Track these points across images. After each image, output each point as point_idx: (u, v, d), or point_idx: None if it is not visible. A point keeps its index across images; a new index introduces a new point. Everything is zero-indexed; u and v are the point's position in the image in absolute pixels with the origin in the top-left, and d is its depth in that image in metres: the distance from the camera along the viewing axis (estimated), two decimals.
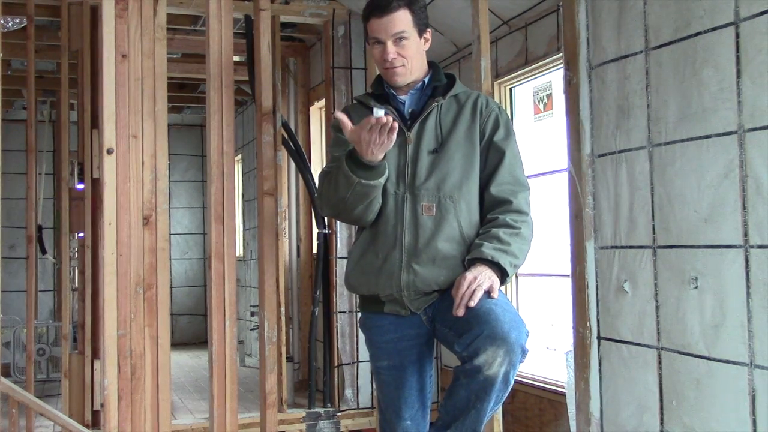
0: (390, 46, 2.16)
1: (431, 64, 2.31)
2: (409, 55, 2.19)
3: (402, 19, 2.15)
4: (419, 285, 2.11)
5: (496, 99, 4.27)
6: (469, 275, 2.01)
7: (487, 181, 2.19)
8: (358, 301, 2.40)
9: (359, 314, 2.35)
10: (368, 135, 1.95)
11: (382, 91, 2.28)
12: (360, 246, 2.23)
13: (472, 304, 1.96)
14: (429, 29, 2.25)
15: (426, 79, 2.26)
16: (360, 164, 2.02)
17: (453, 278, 2.07)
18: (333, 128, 2.35)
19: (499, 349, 1.87)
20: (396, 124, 1.93)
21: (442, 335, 2.14)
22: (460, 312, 1.97)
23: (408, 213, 2.13)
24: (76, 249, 5.54)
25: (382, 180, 2.07)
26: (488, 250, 2.06)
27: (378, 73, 2.34)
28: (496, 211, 2.16)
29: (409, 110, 2.24)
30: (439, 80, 2.26)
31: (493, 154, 2.20)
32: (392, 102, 2.25)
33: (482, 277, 2.01)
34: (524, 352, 1.93)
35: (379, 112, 1.92)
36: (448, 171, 2.15)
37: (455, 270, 2.09)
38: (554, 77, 3.98)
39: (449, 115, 2.22)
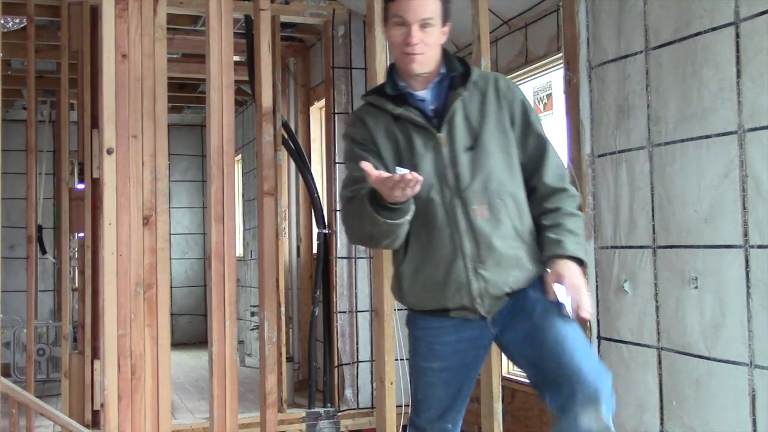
0: (416, 29, 2.01)
1: (442, 53, 2.14)
2: (431, 44, 2.05)
3: (432, 6, 2.03)
4: (492, 290, 2.00)
5: None
6: (571, 279, 1.94)
7: (535, 169, 2.08)
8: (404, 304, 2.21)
9: (407, 312, 2.22)
10: (391, 189, 1.79)
11: (398, 91, 2.09)
12: (412, 261, 2.07)
13: (587, 316, 1.92)
14: (449, 24, 2.11)
15: (442, 71, 2.09)
16: (383, 206, 1.87)
17: (523, 277, 2.01)
18: (347, 139, 2.16)
19: (597, 411, 1.81)
20: (420, 177, 1.77)
21: (510, 352, 2.09)
22: (587, 315, 1.92)
23: (461, 219, 2.00)
24: (76, 249, 5.54)
25: (408, 217, 1.93)
26: (571, 245, 1.99)
27: (385, 67, 2.27)
28: (555, 199, 2.07)
29: (431, 107, 2.07)
30: (455, 69, 2.09)
31: (533, 141, 2.08)
32: (411, 101, 2.07)
33: (579, 281, 1.95)
34: (612, 394, 1.87)
35: (402, 171, 1.76)
36: (490, 168, 2.02)
37: (523, 268, 2.02)
38: (554, 77, 3.98)
39: (474, 105, 2.06)
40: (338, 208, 2.14)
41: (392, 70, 2.14)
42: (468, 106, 2.06)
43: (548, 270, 1.98)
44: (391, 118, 2.07)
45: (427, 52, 2.04)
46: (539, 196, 2.08)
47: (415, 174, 1.75)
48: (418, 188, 1.79)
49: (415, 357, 2.19)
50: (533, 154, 2.09)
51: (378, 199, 1.86)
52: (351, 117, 2.24)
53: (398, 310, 4.61)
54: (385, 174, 1.77)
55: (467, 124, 2.04)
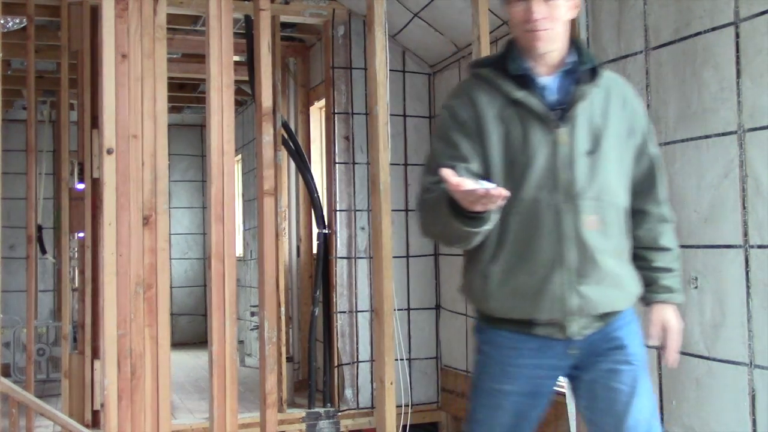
0: (538, 3, 1.79)
1: (574, 41, 1.92)
2: (557, 18, 1.81)
3: None
4: (588, 309, 1.83)
5: None
6: (675, 328, 1.94)
7: (646, 188, 1.96)
8: (477, 311, 1.99)
9: (478, 321, 1.99)
10: (472, 200, 1.59)
11: (521, 72, 1.85)
12: (503, 263, 1.85)
13: (674, 364, 1.95)
14: None
15: (571, 59, 1.87)
16: (463, 213, 1.66)
17: (621, 300, 1.88)
18: (447, 114, 1.92)
19: None
20: (507, 193, 1.58)
21: (576, 392, 1.97)
22: (674, 364, 1.96)
23: (569, 227, 1.81)
24: (76, 249, 5.54)
25: (489, 227, 1.73)
26: (680, 295, 1.97)
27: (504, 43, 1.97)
28: (664, 233, 1.97)
29: (554, 98, 1.85)
30: (587, 62, 1.88)
31: (649, 158, 1.95)
32: (533, 86, 1.84)
33: (679, 329, 1.94)
34: None
35: (487, 185, 1.57)
36: (607, 177, 1.84)
37: (623, 290, 1.88)
38: None
39: (598, 106, 1.87)
40: (416, 193, 1.97)
41: (512, 47, 1.89)
42: (593, 105, 1.86)
43: (650, 310, 1.95)
44: (507, 101, 1.84)
45: (553, 27, 1.82)
46: (649, 224, 1.97)
47: (501, 190, 1.55)
48: (502, 203, 1.61)
49: (484, 376, 1.96)
50: (647, 172, 1.95)
51: (456, 204, 1.65)
52: (457, 89, 1.97)
53: (398, 310, 4.62)
54: (468, 185, 1.57)
55: (590, 125, 1.85)
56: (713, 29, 2.68)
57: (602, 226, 1.84)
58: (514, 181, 1.81)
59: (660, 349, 1.97)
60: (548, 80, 1.86)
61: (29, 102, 4.94)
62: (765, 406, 2.49)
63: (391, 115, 4.37)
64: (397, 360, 3.43)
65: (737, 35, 2.59)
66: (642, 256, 1.96)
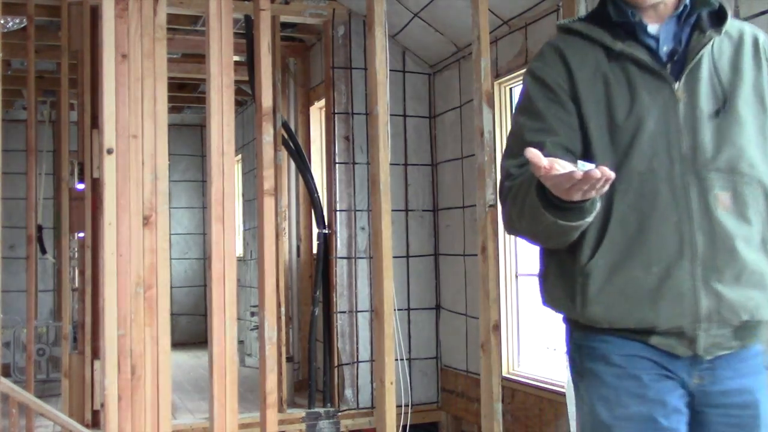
0: None
1: None
2: None
3: None
4: (725, 314, 1.41)
5: (496, 99, 4.27)
6: None
7: None
8: (570, 322, 1.56)
9: (576, 332, 1.54)
10: (569, 187, 1.24)
11: (624, 18, 1.50)
12: (610, 252, 1.44)
13: None
14: None
15: (687, 1, 1.50)
16: (555, 204, 1.33)
17: (764, 305, 1.44)
18: (531, 79, 1.56)
19: None
20: (612, 175, 1.21)
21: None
22: None
23: (695, 205, 1.42)
24: (76, 249, 5.54)
25: (590, 219, 1.36)
26: None
27: None
28: None
29: (666, 48, 1.49)
30: (706, 3, 1.50)
31: None
32: (640, 35, 1.49)
33: None
34: None
35: (586, 165, 1.22)
36: (742, 144, 1.45)
37: (766, 291, 1.44)
38: None
39: (724, 57, 1.50)
40: (499, 179, 1.57)
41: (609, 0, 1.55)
42: (718, 57, 1.50)
43: None
44: (605, 55, 1.49)
45: None
46: None
47: (605, 170, 1.20)
48: (606, 188, 1.25)
49: (596, 406, 1.48)
50: None
51: (548, 193, 1.32)
52: (543, 48, 1.60)
53: (398, 310, 4.63)
54: (561, 167, 1.22)
55: (715, 80, 1.48)
56: None
57: (739, 207, 1.43)
58: (621, 151, 1.45)
59: None
60: (656, 29, 1.50)
61: (29, 102, 4.94)
62: None
63: (391, 115, 4.38)
64: (397, 360, 3.43)
65: None
66: None
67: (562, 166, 1.22)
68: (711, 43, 1.48)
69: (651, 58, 1.47)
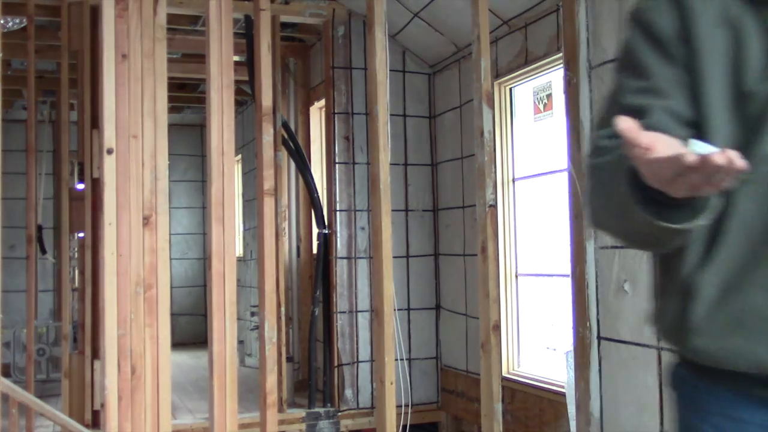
0: None
1: None
2: None
3: None
4: None
5: (496, 99, 4.27)
6: None
7: None
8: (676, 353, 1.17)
9: (677, 371, 1.17)
10: (674, 177, 0.85)
11: None
12: (724, 268, 1.05)
13: None
14: None
15: None
16: (653, 198, 0.94)
17: None
18: (635, 25, 1.14)
19: None
20: (741, 164, 0.82)
21: None
22: None
23: None
24: (76, 249, 5.54)
25: (704, 221, 0.95)
26: None
27: None
28: None
29: None
30: None
31: None
32: None
33: None
34: None
35: (699, 146, 0.84)
36: None
37: None
38: (554, 77, 3.98)
39: None
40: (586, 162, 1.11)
41: None
42: None
43: None
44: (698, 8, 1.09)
45: None
46: None
47: (732, 156, 0.81)
48: (729, 183, 0.85)
49: None
50: None
51: (644, 183, 0.92)
52: None
53: (398, 310, 4.63)
54: (664, 147, 0.84)
55: None
56: None
57: None
58: (748, 128, 1.04)
59: None
60: None
61: (29, 102, 4.94)
62: None
63: (391, 115, 4.37)
64: (397, 360, 3.43)
65: None
66: None
67: (667, 146, 0.84)
68: None
69: None
